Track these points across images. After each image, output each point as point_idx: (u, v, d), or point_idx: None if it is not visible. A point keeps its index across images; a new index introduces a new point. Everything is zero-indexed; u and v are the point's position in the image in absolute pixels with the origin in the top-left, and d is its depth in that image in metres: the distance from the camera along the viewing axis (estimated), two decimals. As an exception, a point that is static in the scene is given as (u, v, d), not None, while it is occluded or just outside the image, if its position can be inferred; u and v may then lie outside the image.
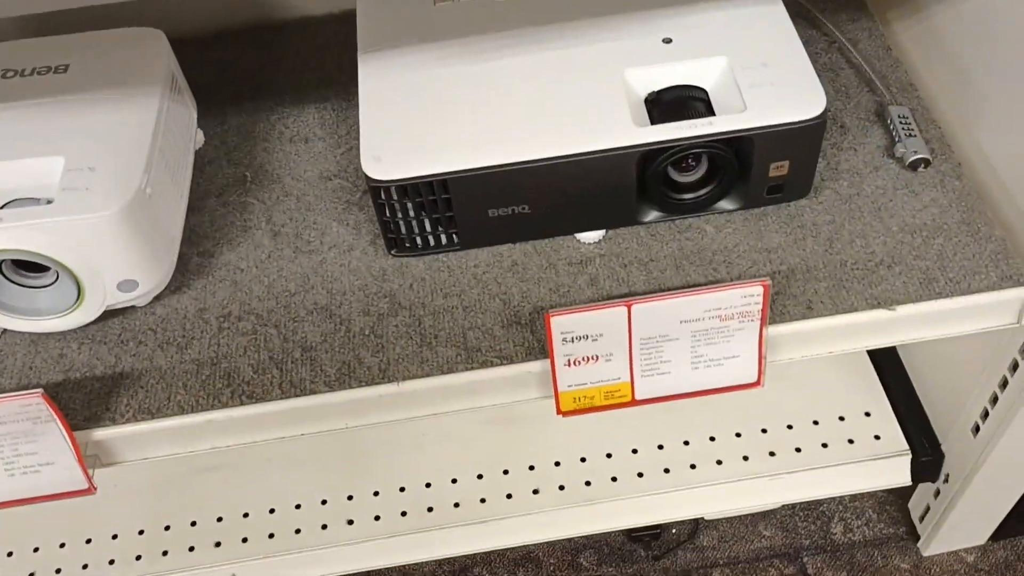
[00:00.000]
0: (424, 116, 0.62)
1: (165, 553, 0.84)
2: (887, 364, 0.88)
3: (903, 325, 0.62)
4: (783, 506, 0.94)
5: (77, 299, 0.62)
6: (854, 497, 0.94)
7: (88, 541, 0.85)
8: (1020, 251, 0.64)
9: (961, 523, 0.86)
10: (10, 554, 0.84)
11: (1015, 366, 0.70)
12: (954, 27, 0.71)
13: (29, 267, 0.62)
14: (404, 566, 0.93)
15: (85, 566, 0.83)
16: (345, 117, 0.77)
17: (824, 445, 0.84)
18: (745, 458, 0.84)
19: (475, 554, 0.93)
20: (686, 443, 0.86)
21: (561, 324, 0.57)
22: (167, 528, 0.85)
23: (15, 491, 0.61)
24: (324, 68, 0.81)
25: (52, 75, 0.67)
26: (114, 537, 0.85)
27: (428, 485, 0.86)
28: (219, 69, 0.81)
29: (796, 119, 0.59)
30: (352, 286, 0.66)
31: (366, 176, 0.60)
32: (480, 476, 0.86)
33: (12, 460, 0.59)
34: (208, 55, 0.82)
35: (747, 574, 0.90)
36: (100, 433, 0.61)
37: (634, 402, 0.61)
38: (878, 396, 0.87)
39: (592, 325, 0.57)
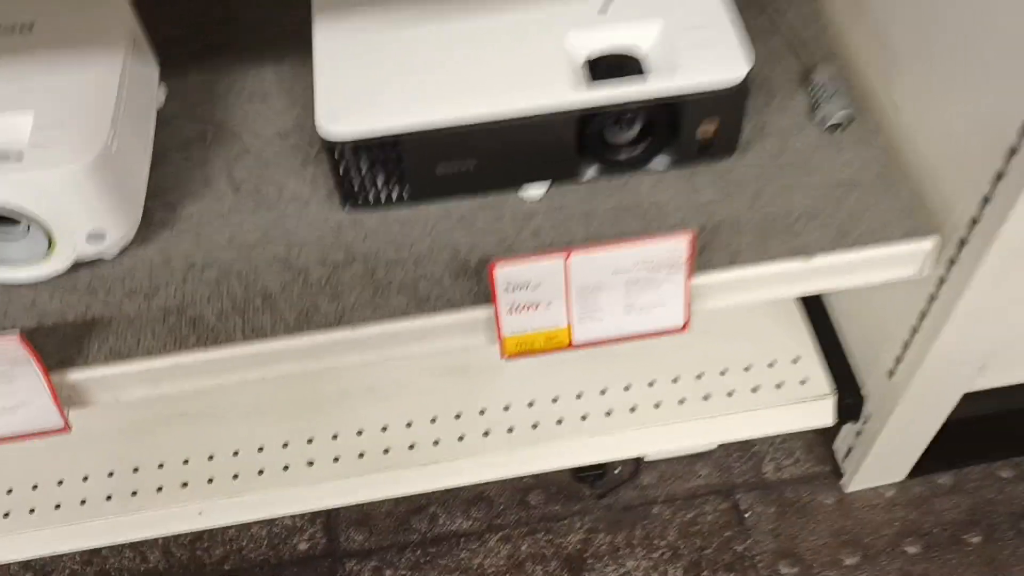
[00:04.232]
0: (376, 77, 0.65)
1: (134, 494, 0.88)
2: (815, 312, 0.94)
3: (818, 274, 0.67)
4: (719, 447, 1.00)
5: (48, 250, 0.66)
6: (784, 438, 1.01)
7: (60, 483, 0.89)
8: (927, 207, 0.70)
9: (881, 461, 0.93)
10: (-17, 495, 0.88)
11: (923, 315, 0.76)
12: (876, -4, 0.76)
13: (0, 220, 0.65)
14: (362, 505, 0.98)
15: (57, 506, 0.87)
16: (301, 76, 0.80)
17: (755, 389, 0.91)
18: (681, 401, 0.90)
19: (430, 493, 0.99)
20: (627, 388, 0.91)
21: (504, 274, 0.62)
22: (136, 470, 0.89)
23: (-8, 429, 0.65)
24: (282, 25, 0.84)
25: (18, 34, 0.69)
26: (84, 479, 0.89)
27: (384, 429, 0.91)
28: (181, 27, 0.84)
29: (723, 81, 0.64)
30: (309, 238, 0.70)
31: (321, 135, 0.64)
32: (433, 420, 0.91)
33: (-11, 400, 0.63)
34: (168, 13, 0.85)
35: (684, 510, 0.97)
36: (73, 375, 0.65)
37: (571, 346, 0.66)
38: (806, 343, 0.93)
39: (533, 275, 0.62)
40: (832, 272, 0.68)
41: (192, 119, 0.78)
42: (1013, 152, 0.61)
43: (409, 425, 0.91)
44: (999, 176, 0.63)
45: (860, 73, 0.78)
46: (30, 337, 0.66)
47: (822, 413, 0.90)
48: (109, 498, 0.88)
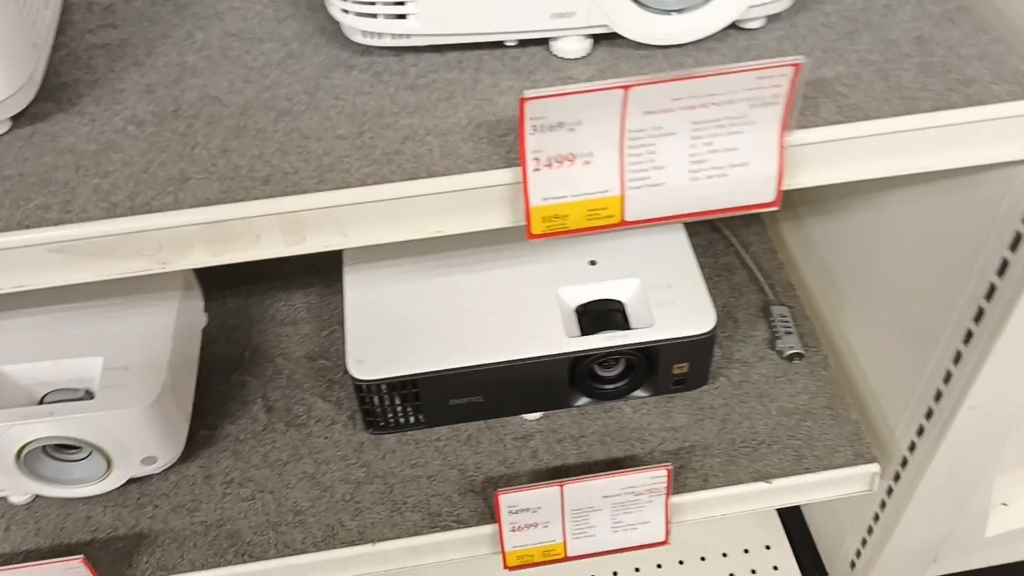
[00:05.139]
0: (398, 326, 0.76)
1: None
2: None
3: (779, 494, 0.77)
4: (700, 625, 1.08)
5: (106, 472, 0.75)
6: (760, 617, 1.08)
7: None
8: (873, 429, 0.81)
9: (848, 641, 1.02)
10: None
11: (876, 517, 0.86)
12: (823, 238, 0.89)
13: (66, 446, 0.74)
14: None
15: None
16: (328, 302, 0.91)
17: (731, 575, 0.99)
18: (665, 587, 0.99)
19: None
20: (615, 574, 1.00)
21: (507, 500, 0.71)
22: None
23: (51, 639, 0.72)
24: (310, 255, 0.95)
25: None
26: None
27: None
28: (220, 259, 0.95)
29: (692, 333, 0.75)
30: (334, 456, 0.80)
31: (352, 376, 0.75)
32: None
33: (50, 612, 0.71)
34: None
35: None
36: (124, 588, 0.73)
37: (567, 559, 0.76)
38: (777, 532, 1.02)
39: (532, 501, 0.72)
40: (791, 492, 0.78)
41: (230, 342, 0.89)
42: (940, 395, 0.72)
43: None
44: (930, 412, 0.74)
45: (813, 304, 0.90)
46: (85, 550, 0.75)
47: (792, 599, 0.99)
48: None
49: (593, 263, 0.80)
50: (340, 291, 0.81)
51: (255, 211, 0.48)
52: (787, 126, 0.49)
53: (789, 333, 0.85)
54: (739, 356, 0.85)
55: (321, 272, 0.94)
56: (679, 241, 0.81)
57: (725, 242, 0.94)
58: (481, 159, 0.50)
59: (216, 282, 0.93)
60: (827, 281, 0.88)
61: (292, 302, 0.92)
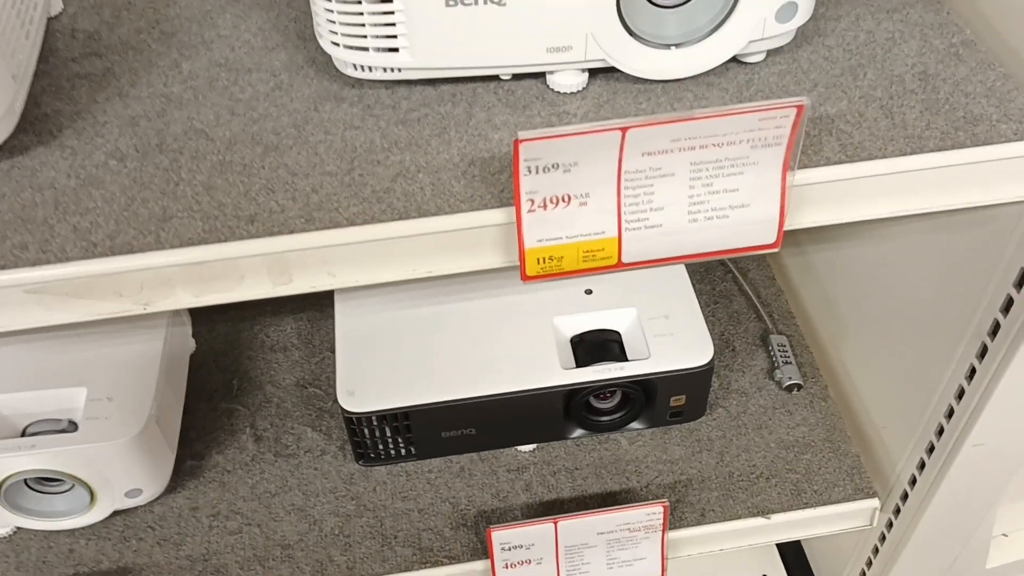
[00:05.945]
0: (390, 356, 0.75)
1: None
2: (781, 533, 1.02)
3: (778, 529, 0.76)
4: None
5: (89, 504, 0.73)
6: (757, 646, 1.07)
7: None
8: (874, 463, 0.79)
9: (846, 672, 1.00)
10: None
11: (876, 550, 0.84)
12: (824, 266, 0.87)
13: (49, 478, 0.73)
14: None
15: None
16: (319, 327, 0.90)
17: (727, 606, 0.98)
18: (660, 618, 0.97)
19: None
20: (609, 604, 0.98)
21: (499, 537, 0.70)
22: None
23: (31, 677, 0.70)
24: (300, 280, 0.94)
25: (72, 306, 0.79)
26: None
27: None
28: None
29: (689, 366, 0.74)
30: (324, 488, 0.78)
31: (342, 408, 0.73)
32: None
33: (30, 651, 0.70)
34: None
35: None
36: (107, 625, 0.71)
37: (560, 596, 0.74)
38: (775, 562, 1.00)
39: (526, 537, 0.70)
40: (790, 527, 0.76)
41: (219, 368, 0.87)
42: (942, 430, 0.70)
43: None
44: (932, 447, 0.72)
45: (813, 333, 0.88)
46: (68, 585, 0.73)
47: (790, 630, 0.97)
48: None
49: (589, 292, 0.78)
50: (331, 316, 0.80)
51: (240, 252, 0.47)
52: (789, 167, 0.48)
53: (788, 363, 0.83)
54: (737, 386, 0.83)
55: (312, 297, 0.92)
56: (677, 270, 0.80)
57: (723, 268, 0.93)
58: (474, 198, 0.48)
59: (206, 307, 0.91)
60: (827, 310, 0.87)
61: (282, 327, 0.90)
